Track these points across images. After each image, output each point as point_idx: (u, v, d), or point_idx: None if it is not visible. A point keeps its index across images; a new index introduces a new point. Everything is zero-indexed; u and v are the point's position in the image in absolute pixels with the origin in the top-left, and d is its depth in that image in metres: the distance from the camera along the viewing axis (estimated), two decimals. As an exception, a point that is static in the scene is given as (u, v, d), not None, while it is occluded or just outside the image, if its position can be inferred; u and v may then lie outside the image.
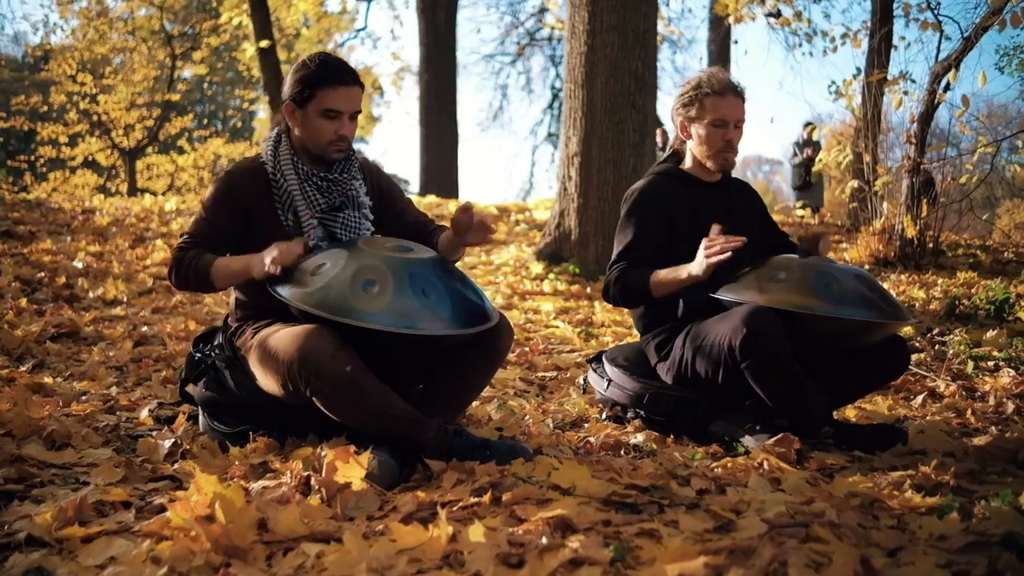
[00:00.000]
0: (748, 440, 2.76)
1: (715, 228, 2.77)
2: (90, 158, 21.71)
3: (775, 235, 3.25)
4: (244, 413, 2.61)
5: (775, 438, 2.62)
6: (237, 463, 2.37)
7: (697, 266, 2.78)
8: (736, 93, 3.04)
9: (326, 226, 2.66)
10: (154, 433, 2.70)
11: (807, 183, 13.15)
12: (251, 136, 26.68)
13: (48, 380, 3.36)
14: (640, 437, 2.84)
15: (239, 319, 2.71)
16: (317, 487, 2.14)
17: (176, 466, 2.40)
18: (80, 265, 6.06)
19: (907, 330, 4.91)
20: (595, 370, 3.24)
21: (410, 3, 25.59)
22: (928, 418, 3.27)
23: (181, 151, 23.72)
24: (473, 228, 2.61)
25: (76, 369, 3.61)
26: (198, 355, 2.74)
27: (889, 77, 7.50)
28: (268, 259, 2.45)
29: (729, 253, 2.66)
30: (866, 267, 7.34)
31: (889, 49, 9.38)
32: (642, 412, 3.03)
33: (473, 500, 2.08)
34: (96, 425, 2.78)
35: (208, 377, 2.67)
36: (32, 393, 3.16)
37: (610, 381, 3.12)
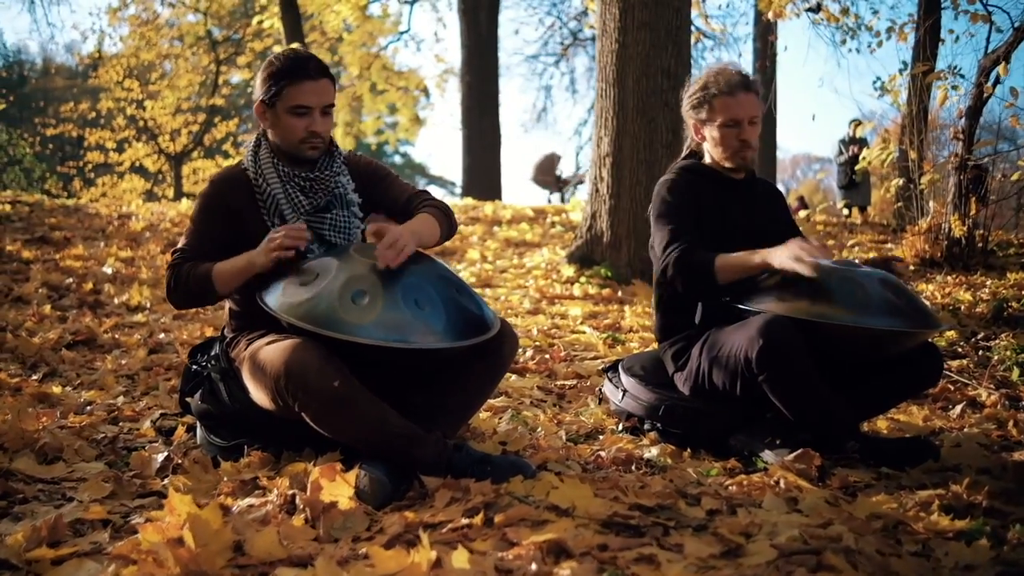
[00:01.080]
0: (768, 455, 2.61)
1: (814, 239, 2.67)
2: (137, 163, 22.00)
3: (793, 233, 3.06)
4: (239, 426, 2.52)
5: (795, 454, 2.47)
6: (227, 479, 2.29)
7: (779, 257, 2.60)
8: (746, 89, 2.89)
9: (314, 228, 2.56)
10: (147, 447, 2.62)
11: (852, 182, 12.86)
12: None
13: (56, 389, 3.32)
14: (654, 451, 2.71)
15: (234, 329, 2.64)
16: (302, 506, 2.04)
17: (166, 481, 2.32)
18: (109, 271, 6.06)
19: (950, 334, 4.70)
20: (610, 380, 3.10)
21: (453, 5, 25.56)
22: (966, 430, 3.09)
23: (226, 155, 23.95)
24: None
25: (87, 378, 3.57)
26: (194, 366, 2.67)
27: (937, 71, 7.24)
28: (274, 243, 2.39)
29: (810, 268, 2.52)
30: (911, 268, 7.10)
31: (936, 43, 9.09)
32: (659, 424, 2.89)
33: (464, 521, 1.97)
34: (95, 437, 2.73)
35: (203, 389, 2.59)
36: (38, 403, 3.13)
37: (625, 391, 2.99)
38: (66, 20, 23.12)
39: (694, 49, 21.55)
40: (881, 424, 3.11)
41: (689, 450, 2.78)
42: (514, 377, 3.74)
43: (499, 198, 18.98)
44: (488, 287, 6.20)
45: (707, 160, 3.01)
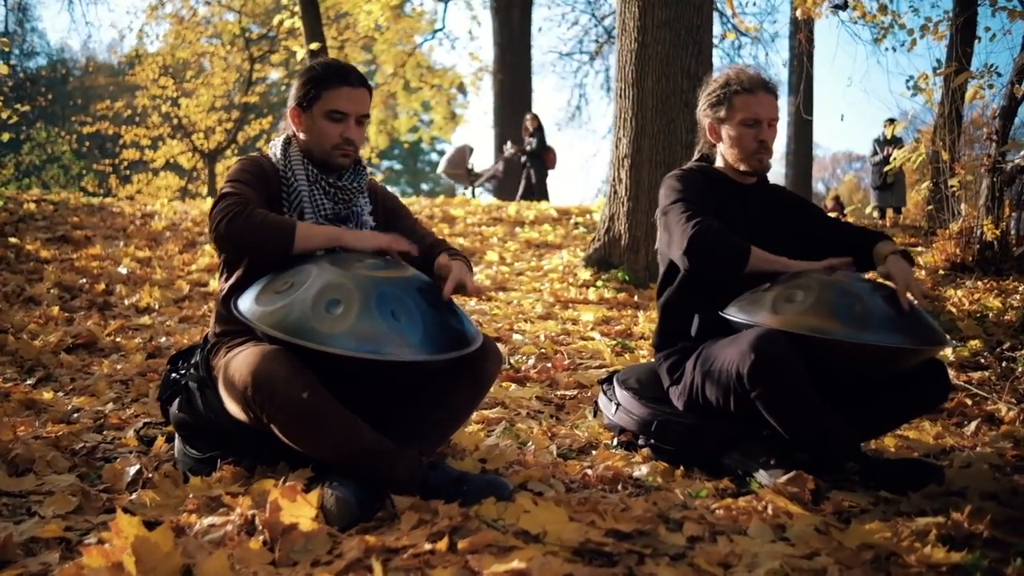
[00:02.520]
0: (762, 475, 2.49)
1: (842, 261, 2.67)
2: (172, 161, 22.18)
3: (824, 226, 2.92)
4: (216, 438, 2.46)
5: (787, 476, 2.36)
6: (192, 496, 2.22)
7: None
8: (767, 90, 2.79)
9: None
10: (118, 459, 2.56)
11: (887, 183, 12.61)
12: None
13: (48, 395, 3.28)
14: (644, 469, 2.60)
15: (217, 335, 2.57)
16: (261, 528, 1.97)
17: (135, 495, 2.26)
18: (124, 271, 6.05)
19: (974, 343, 4.54)
20: (605, 392, 3.00)
21: (487, 3, 25.49)
22: (979, 449, 2.95)
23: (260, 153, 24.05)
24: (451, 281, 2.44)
25: (81, 383, 3.53)
26: (174, 374, 2.61)
27: (972, 70, 7.03)
28: (388, 238, 2.45)
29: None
30: (941, 272, 6.90)
31: (971, 40, 8.86)
32: (652, 441, 2.79)
33: (427, 547, 1.88)
34: (73, 447, 2.68)
35: (181, 398, 2.53)
36: (25, 409, 3.09)
37: (619, 405, 2.89)
38: (105, 19, 23.38)
39: (729, 48, 21.40)
40: (888, 442, 2.97)
41: (682, 468, 2.67)
42: (513, 387, 3.66)
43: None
44: (503, 290, 6.11)
45: (719, 164, 2.90)
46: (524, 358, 4.11)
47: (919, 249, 7.95)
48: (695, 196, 2.72)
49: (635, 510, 2.18)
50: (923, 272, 6.77)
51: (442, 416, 2.39)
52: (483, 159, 20.82)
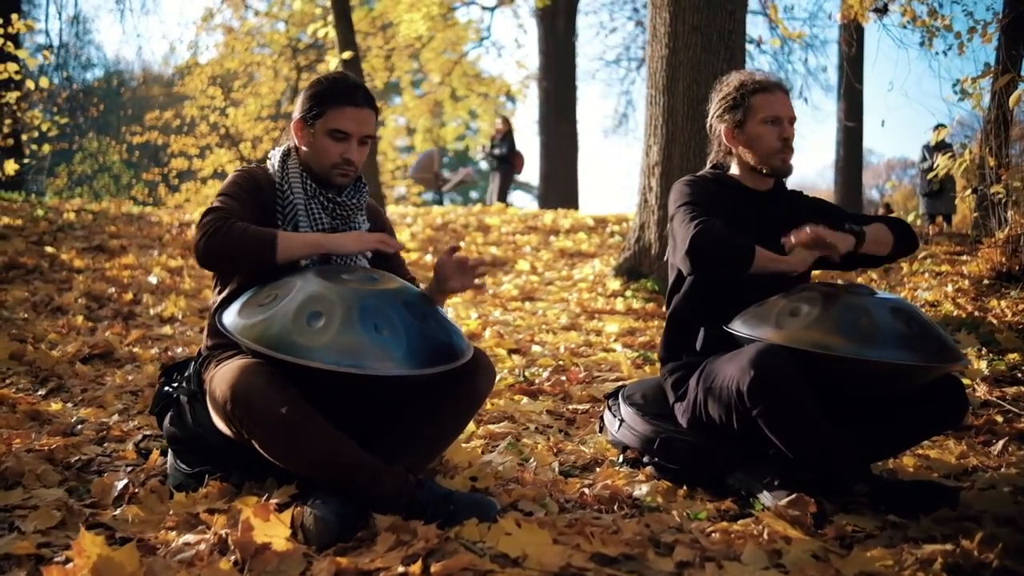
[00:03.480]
0: (765, 497, 2.39)
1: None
2: (220, 170, 22.45)
3: (842, 223, 2.81)
4: (205, 452, 2.42)
5: (788, 498, 2.26)
6: (172, 512, 2.18)
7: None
8: (783, 89, 2.73)
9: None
10: (107, 474, 2.54)
11: (935, 190, 12.31)
12: (374, 145, 27.04)
13: (56, 406, 3.29)
14: (644, 488, 2.51)
15: (209, 348, 2.54)
16: (232, 547, 1.92)
17: (119, 511, 2.23)
18: (154, 280, 6.09)
19: (1012, 356, 4.36)
20: (610, 408, 2.92)
21: (533, 11, 25.44)
22: (1004, 470, 2.81)
23: (307, 162, 24.25)
24: (457, 273, 2.45)
25: (91, 394, 3.53)
26: (167, 387, 2.58)
27: (1010, 74, 6.81)
28: (374, 237, 2.41)
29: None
30: (985, 282, 6.68)
31: (1019, 42, 8.59)
32: (656, 459, 2.70)
33: (400, 570, 1.82)
34: (69, 460, 2.66)
35: (172, 411, 2.50)
36: (30, 420, 3.09)
37: (622, 421, 2.80)
38: (156, 30, 23.78)
39: (779, 53, 21.11)
40: (907, 461, 2.85)
41: (685, 488, 2.57)
42: (525, 400, 3.58)
43: (576, 206, 18.77)
44: (529, 300, 6.04)
45: (733, 171, 2.82)
46: (539, 370, 4.03)
47: (964, 258, 7.72)
48: (702, 199, 2.65)
49: (625, 532, 2.10)
50: (966, 281, 6.56)
51: (431, 433, 2.33)
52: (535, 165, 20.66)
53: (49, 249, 6.77)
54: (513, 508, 2.31)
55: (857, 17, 10.30)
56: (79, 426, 3.06)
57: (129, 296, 5.56)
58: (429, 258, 7.72)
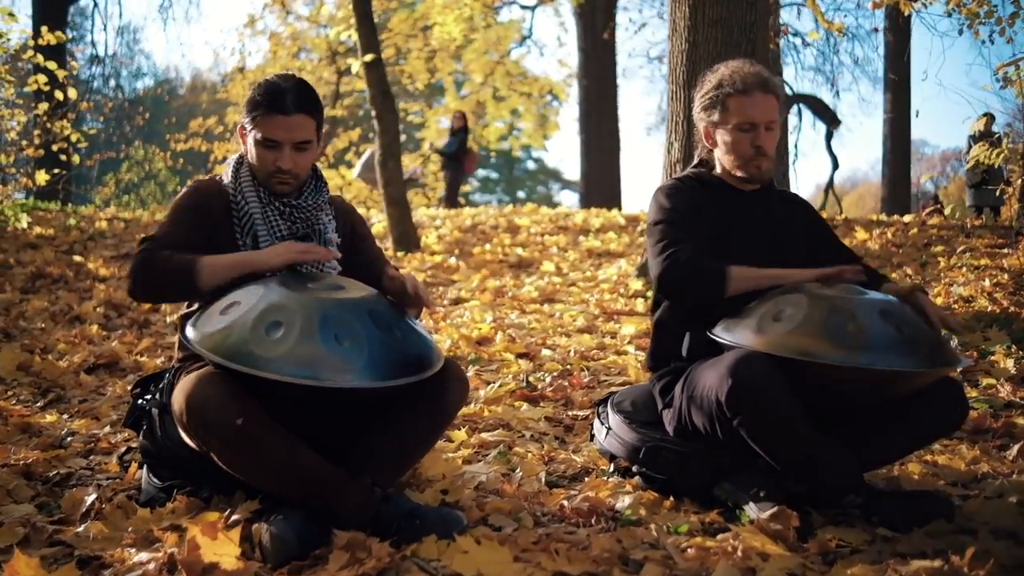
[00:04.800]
0: (751, 508, 2.29)
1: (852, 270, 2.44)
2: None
3: (834, 254, 2.71)
4: (175, 466, 2.38)
5: (770, 511, 2.15)
6: (131, 529, 2.14)
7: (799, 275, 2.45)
8: (765, 89, 2.59)
9: None
10: (80, 487, 2.51)
11: (982, 181, 11.94)
12: (417, 147, 27.09)
13: (51, 418, 3.28)
14: (626, 500, 2.41)
15: (180, 360, 2.50)
16: (180, 567, 1.87)
17: (82, 528, 2.19)
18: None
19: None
20: (599, 415, 2.82)
21: (573, 8, 25.29)
22: (1016, 477, 2.66)
23: (349, 165, 24.37)
24: (401, 295, 2.36)
25: (89, 405, 3.52)
26: (140, 400, 2.54)
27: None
28: (298, 249, 2.32)
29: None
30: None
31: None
32: (644, 469, 2.60)
33: (348, 591, 1.76)
34: (47, 474, 2.64)
35: (144, 424, 2.46)
36: (21, 432, 3.09)
37: (609, 429, 2.71)
38: (198, 38, 24.11)
39: (823, 47, 20.72)
40: (912, 468, 2.71)
41: (672, 499, 2.47)
42: (525, 406, 3.50)
43: (619, 205, 18.58)
44: (549, 302, 5.94)
45: (717, 171, 2.72)
46: (542, 376, 3.95)
47: (1006, 251, 7.46)
48: (678, 216, 2.55)
49: (595, 549, 2.02)
50: (1006, 276, 6.33)
51: (399, 445, 2.26)
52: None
53: (77, 258, 6.84)
54: (483, 523, 2.23)
55: (899, 5, 10.04)
56: (68, 438, 3.05)
57: (147, 305, 5.57)
58: (454, 260, 7.67)
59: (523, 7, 23.93)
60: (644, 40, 31.18)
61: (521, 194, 39.91)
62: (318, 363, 2.03)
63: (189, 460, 2.30)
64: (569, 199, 37.98)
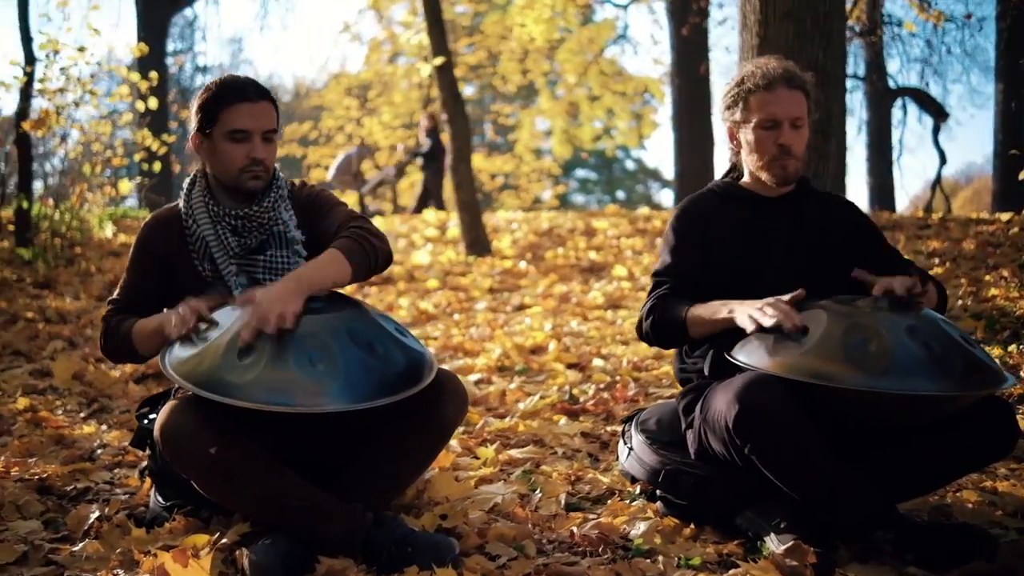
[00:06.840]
0: (772, 540, 2.11)
1: (798, 293, 2.18)
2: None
3: (883, 259, 2.50)
4: (177, 485, 2.34)
5: (785, 546, 1.98)
6: (119, 551, 2.10)
7: (741, 312, 2.19)
8: (790, 85, 2.41)
9: (247, 272, 2.34)
10: (83, 504, 2.50)
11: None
12: (511, 149, 27.09)
13: (89, 429, 3.31)
14: (641, 528, 2.27)
15: None
16: (151, 596, 1.82)
17: (79, 547, 2.18)
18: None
19: None
20: (623, 434, 2.67)
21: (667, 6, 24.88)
22: (1086, 507, 2.41)
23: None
24: None
25: (129, 415, 3.53)
26: (145, 420, 2.52)
27: None
28: (172, 320, 2.17)
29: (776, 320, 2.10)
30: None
31: None
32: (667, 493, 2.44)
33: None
34: (63, 488, 2.65)
35: (149, 444, 2.44)
36: (54, 444, 3.12)
37: (631, 450, 2.56)
38: (296, 45, 24.61)
39: (933, 35, 19.89)
40: (968, 495, 2.49)
41: (692, 527, 2.32)
42: (564, 420, 3.37)
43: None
44: (614, 308, 5.79)
45: (745, 177, 2.56)
46: (584, 388, 3.81)
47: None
48: (679, 247, 2.48)
49: (591, 584, 1.89)
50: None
51: (393, 467, 2.17)
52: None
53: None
54: (481, 550, 2.12)
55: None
56: (99, 451, 3.06)
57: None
58: (524, 265, 7.57)
59: (616, 5, 23.68)
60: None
61: (620, 194, 39.51)
62: (290, 388, 1.95)
63: (188, 480, 2.26)
64: (669, 199, 37.45)
